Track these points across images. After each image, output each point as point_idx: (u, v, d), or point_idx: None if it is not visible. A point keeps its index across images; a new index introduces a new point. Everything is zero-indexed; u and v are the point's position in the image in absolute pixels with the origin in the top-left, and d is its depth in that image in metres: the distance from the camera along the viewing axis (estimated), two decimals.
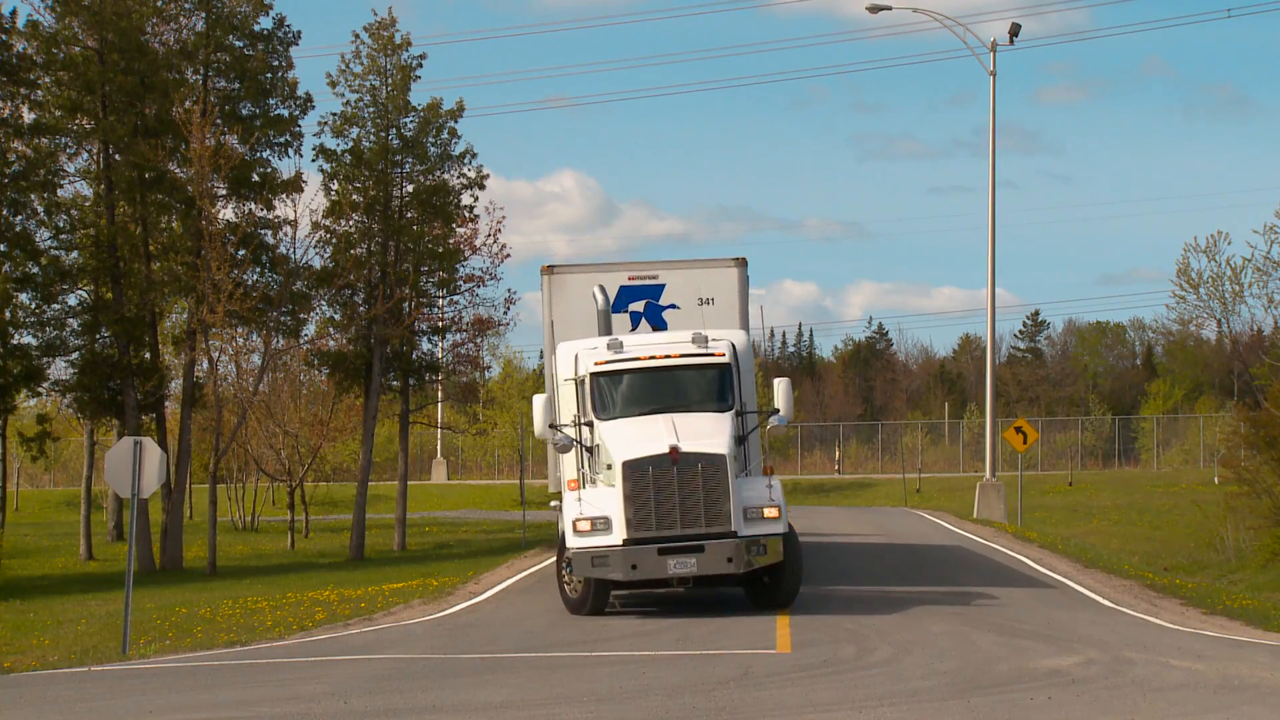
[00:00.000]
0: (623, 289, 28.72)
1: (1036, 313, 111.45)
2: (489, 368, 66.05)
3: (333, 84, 44.80)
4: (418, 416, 51.02)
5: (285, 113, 42.30)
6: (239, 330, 41.26)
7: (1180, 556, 36.71)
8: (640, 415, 23.99)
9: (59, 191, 40.80)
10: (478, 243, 45.86)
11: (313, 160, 44.89)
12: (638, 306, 28.91)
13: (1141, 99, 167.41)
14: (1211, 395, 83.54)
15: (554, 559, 37.61)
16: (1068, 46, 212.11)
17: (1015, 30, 48.31)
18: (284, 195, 41.68)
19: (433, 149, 45.07)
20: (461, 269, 45.78)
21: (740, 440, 23.91)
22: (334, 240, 43.87)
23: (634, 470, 22.90)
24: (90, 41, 40.31)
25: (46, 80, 40.39)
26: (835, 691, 16.46)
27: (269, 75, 41.96)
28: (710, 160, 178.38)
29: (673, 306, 28.85)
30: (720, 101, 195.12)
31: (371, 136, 44.77)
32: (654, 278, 29.04)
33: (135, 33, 40.10)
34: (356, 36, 44.76)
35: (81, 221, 41.04)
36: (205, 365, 41.44)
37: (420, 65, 45.16)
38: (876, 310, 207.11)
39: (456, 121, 45.23)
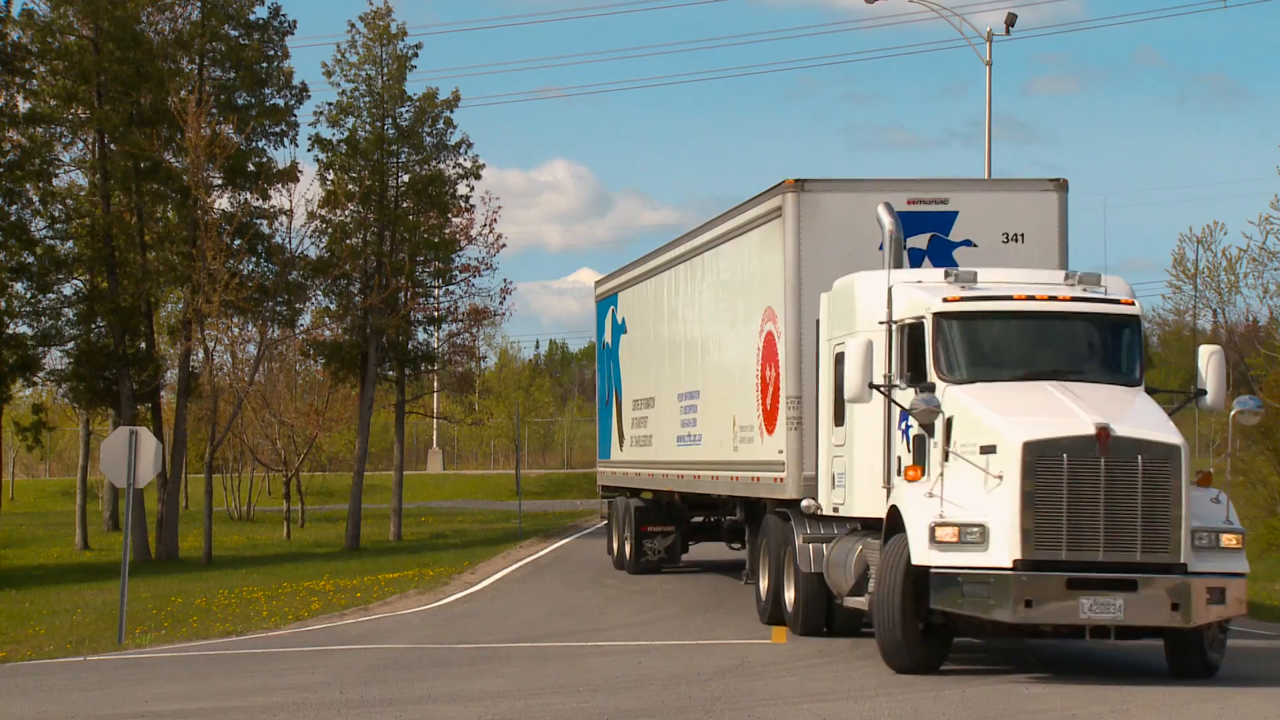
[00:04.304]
0: (899, 216, 20.62)
1: None
2: (484, 358, 65.96)
3: (328, 73, 44.85)
4: (413, 406, 51.03)
5: (281, 102, 42.27)
6: (234, 320, 41.27)
7: None
8: (1012, 380, 17.18)
9: (54, 181, 40.78)
10: (473, 233, 45.95)
11: (308, 150, 44.99)
12: (919, 241, 21.14)
13: (1135, 89, 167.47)
14: None
15: (549, 547, 37.04)
16: (1060, 37, 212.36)
17: (1011, 20, 48.23)
18: (279, 185, 41.67)
19: (428, 139, 45.07)
20: (457, 259, 45.82)
21: None
22: (329, 230, 43.87)
23: (1040, 457, 15.87)
24: (85, 30, 40.23)
25: (41, 69, 40.31)
26: (831, 681, 16.46)
27: (264, 65, 41.91)
28: (703, 150, 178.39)
29: (967, 244, 21.09)
30: (713, 91, 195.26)
31: (367, 126, 44.75)
32: (943, 203, 21.23)
33: (130, 22, 40.03)
34: (352, 26, 44.83)
35: (77, 211, 41.00)
36: (201, 355, 41.43)
37: (416, 55, 45.20)
38: None
39: (452, 111, 45.27)
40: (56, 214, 40.77)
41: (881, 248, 20.13)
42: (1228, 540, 16.19)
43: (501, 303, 47.18)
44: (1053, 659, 18.12)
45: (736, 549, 27.26)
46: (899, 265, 19.43)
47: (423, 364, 47.15)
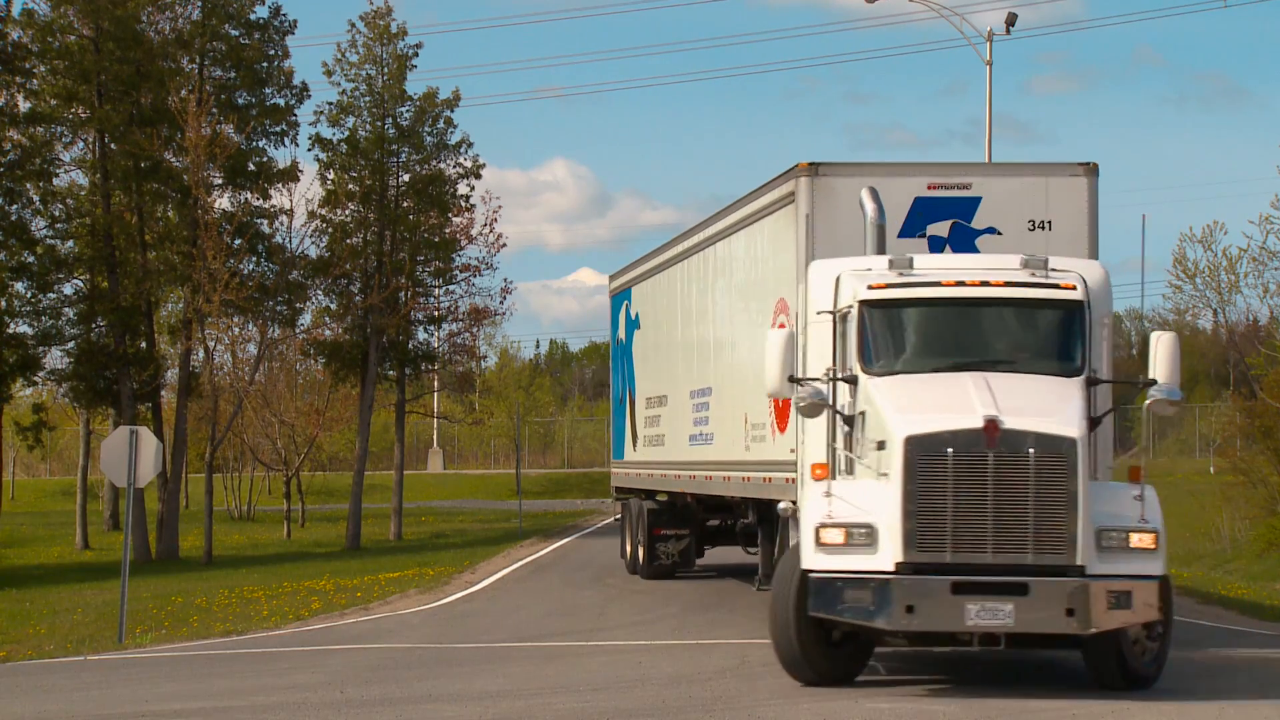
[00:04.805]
0: (919, 202, 19.91)
1: None
2: (485, 357, 66.01)
3: (329, 73, 44.91)
4: (414, 406, 51.05)
5: (281, 102, 42.28)
6: (235, 320, 41.28)
7: (1175, 546, 36.66)
8: (935, 372, 16.16)
9: (54, 180, 40.78)
10: (474, 232, 46.02)
11: (309, 149, 45.05)
12: (939, 229, 20.14)
13: (1135, 89, 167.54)
14: (1207, 385, 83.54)
15: (547, 549, 36.97)
16: (1061, 36, 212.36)
17: (1012, 20, 48.25)
18: (280, 184, 41.68)
19: (429, 138, 45.11)
20: (457, 258, 45.87)
21: (1095, 422, 15.96)
22: (330, 229, 43.89)
23: (923, 453, 14.95)
24: (86, 30, 40.24)
25: (42, 69, 40.31)
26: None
27: (265, 64, 41.93)
28: (703, 150, 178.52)
29: (991, 231, 20.10)
30: (713, 91, 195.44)
31: (367, 126, 44.79)
32: (965, 188, 20.15)
33: (131, 21, 40.04)
34: (353, 25, 44.90)
35: (77, 210, 41.00)
36: (201, 355, 41.45)
37: (416, 55, 45.24)
38: None
39: (452, 111, 45.32)
40: (57, 213, 40.78)
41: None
42: (1138, 540, 14.94)
43: (502, 302, 47.37)
44: (1050, 663, 18.12)
45: (753, 553, 26.07)
46: (882, 253, 18.21)
47: (423, 363, 47.17)
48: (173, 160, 40.33)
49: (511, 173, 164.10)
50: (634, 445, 30.48)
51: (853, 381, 16.25)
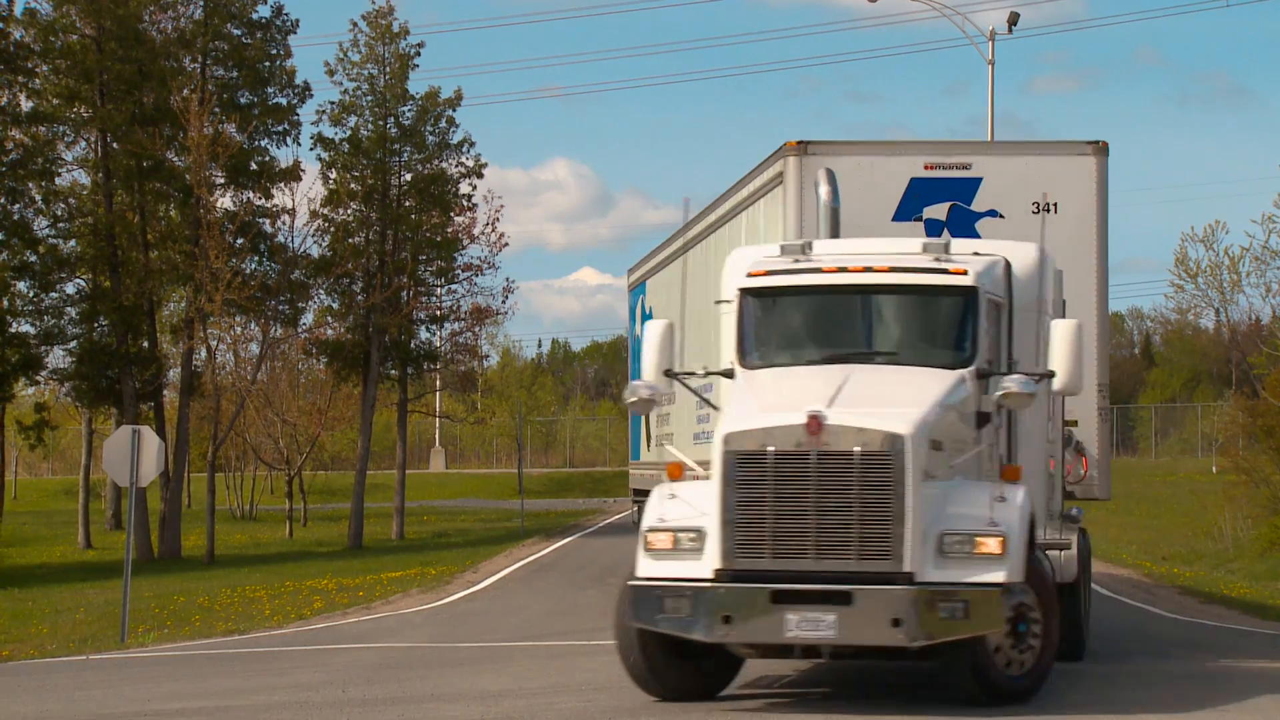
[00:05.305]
0: (915, 183, 18.74)
1: None
2: (487, 357, 66.07)
3: (330, 72, 45.00)
4: (416, 405, 51.10)
5: (283, 101, 42.33)
6: (237, 319, 41.33)
7: (1178, 545, 36.76)
8: (810, 365, 14.85)
9: (57, 180, 40.88)
10: (475, 231, 46.08)
11: (311, 149, 45.14)
12: (937, 212, 18.94)
13: (1136, 88, 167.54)
14: (1209, 384, 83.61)
15: (550, 550, 37.04)
16: (1062, 36, 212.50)
17: (1014, 20, 48.25)
18: (282, 184, 41.74)
19: (431, 138, 45.17)
20: (459, 258, 45.93)
21: (980, 418, 14.62)
22: (332, 229, 43.95)
23: (740, 451, 13.66)
24: (88, 29, 40.29)
25: (44, 68, 40.38)
26: (835, 684, 16.43)
27: (267, 64, 41.99)
28: (704, 149, 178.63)
29: (993, 214, 18.81)
30: (713, 91, 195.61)
31: (369, 125, 44.85)
32: (965, 168, 18.86)
33: (133, 21, 40.08)
34: (355, 25, 45.00)
35: (79, 210, 41.05)
36: (203, 354, 41.51)
37: (418, 54, 45.31)
38: None
39: (454, 110, 45.38)
40: (59, 213, 40.84)
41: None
42: (983, 545, 13.36)
43: (504, 302, 47.44)
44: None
45: None
46: (835, 239, 17.05)
47: (425, 363, 47.24)
48: (175, 160, 40.39)
49: (513, 172, 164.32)
50: (647, 445, 29.81)
51: (730, 375, 15.06)
